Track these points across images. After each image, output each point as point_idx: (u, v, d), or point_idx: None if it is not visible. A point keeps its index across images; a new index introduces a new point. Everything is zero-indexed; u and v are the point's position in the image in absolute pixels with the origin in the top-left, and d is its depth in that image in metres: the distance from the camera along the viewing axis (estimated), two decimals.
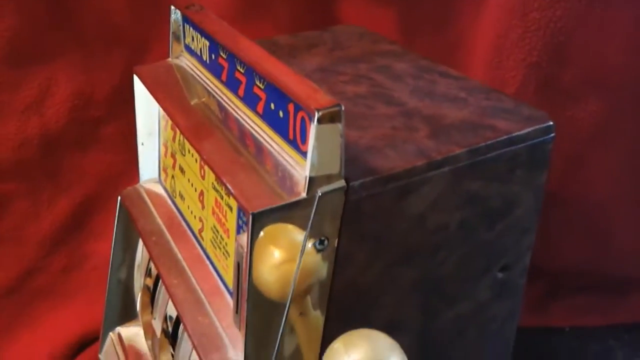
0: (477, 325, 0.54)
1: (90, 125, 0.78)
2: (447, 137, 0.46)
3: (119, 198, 0.62)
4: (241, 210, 0.45)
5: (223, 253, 0.49)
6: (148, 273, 0.63)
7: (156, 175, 0.63)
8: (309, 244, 0.41)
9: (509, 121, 0.48)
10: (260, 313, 0.42)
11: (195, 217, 0.54)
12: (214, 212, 0.50)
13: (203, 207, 0.52)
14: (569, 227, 0.82)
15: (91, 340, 0.78)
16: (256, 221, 0.39)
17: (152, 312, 0.61)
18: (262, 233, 0.40)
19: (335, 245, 0.43)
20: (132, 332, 0.66)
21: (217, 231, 0.49)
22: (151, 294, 0.62)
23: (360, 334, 0.39)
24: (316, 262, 0.42)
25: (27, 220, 0.79)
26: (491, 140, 0.46)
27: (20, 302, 0.80)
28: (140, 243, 0.65)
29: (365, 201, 0.42)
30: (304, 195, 0.40)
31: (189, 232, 0.55)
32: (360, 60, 0.58)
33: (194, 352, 0.53)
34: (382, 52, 0.60)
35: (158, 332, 0.58)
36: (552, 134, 0.49)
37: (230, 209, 0.47)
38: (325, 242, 0.42)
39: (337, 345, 0.39)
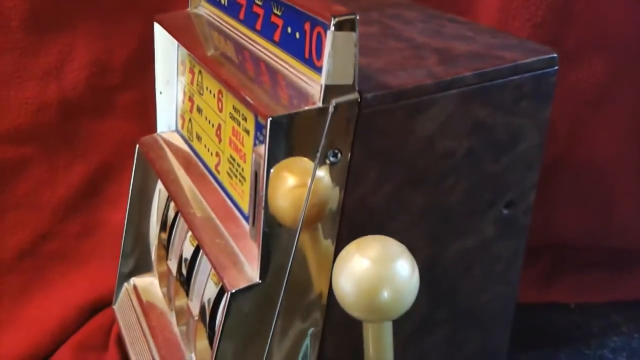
0: (483, 263, 0.56)
1: (107, 92, 0.79)
2: (456, 64, 0.48)
3: (137, 146, 0.64)
4: (258, 130, 0.47)
5: (239, 180, 0.51)
6: (163, 227, 0.65)
7: (173, 127, 0.65)
8: (320, 171, 0.43)
9: (514, 53, 0.50)
10: (275, 227, 0.44)
11: (212, 154, 0.56)
12: (230, 142, 0.52)
13: (220, 141, 0.54)
14: (573, 199, 0.82)
15: (102, 305, 0.79)
16: (274, 127, 0.41)
17: (167, 258, 0.62)
18: (273, 171, 0.42)
19: (348, 159, 0.45)
20: (147, 282, 0.67)
21: (234, 160, 0.51)
22: (166, 244, 0.63)
23: (372, 237, 0.41)
24: (328, 180, 0.44)
25: (42, 185, 0.80)
26: (498, 67, 0.48)
27: (34, 266, 0.81)
28: (156, 196, 0.66)
29: (378, 116, 0.44)
30: (319, 104, 0.42)
31: (205, 170, 0.57)
32: (371, 9, 0.61)
33: (207, 286, 0.54)
34: (392, 4, 0.63)
35: (174, 270, 0.59)
36: (556, 67, 0.51)
37: (247, 132, 0.49)
38: (339, 155, 0.44)
39: (350, 247, 0.40)
